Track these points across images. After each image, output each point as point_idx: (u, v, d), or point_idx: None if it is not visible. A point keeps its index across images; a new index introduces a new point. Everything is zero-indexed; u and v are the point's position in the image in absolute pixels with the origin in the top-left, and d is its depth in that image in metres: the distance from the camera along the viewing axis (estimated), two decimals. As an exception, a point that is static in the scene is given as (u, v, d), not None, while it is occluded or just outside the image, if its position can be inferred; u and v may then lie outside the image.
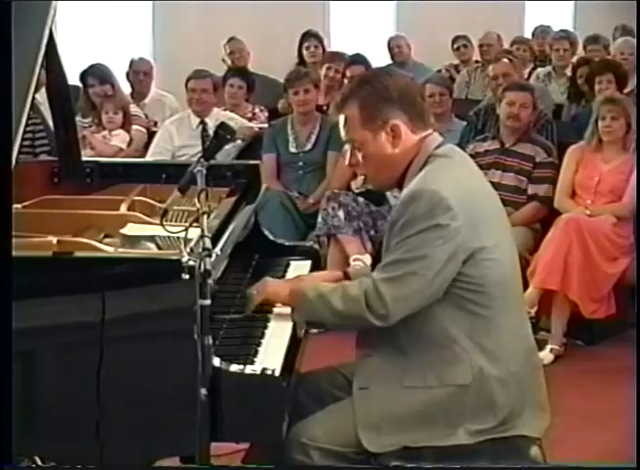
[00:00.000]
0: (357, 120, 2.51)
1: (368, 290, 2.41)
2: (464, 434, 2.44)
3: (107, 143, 5.84)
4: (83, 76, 6.27)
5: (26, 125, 2.57)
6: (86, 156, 4.37)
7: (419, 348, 2.46)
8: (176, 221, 2.93)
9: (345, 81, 6.53)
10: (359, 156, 2.55)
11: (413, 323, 2.44)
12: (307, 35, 7.99)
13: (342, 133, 2.57)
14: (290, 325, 2.65)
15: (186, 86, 5.91)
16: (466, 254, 2.39)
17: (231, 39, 7.66)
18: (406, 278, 2.39)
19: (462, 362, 2.44)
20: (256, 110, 6.58)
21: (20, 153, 2.52)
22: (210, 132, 5.75)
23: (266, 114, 6.59)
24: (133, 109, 6.22)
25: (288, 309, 2.64)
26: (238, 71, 6.73)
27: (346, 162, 2.60)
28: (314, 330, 2.87)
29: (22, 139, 2.54)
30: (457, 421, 2.44)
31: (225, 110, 6.21)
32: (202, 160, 2.47)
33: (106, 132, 5.90)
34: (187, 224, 2.42)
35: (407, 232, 2.39)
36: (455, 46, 8.51)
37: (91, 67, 6.29)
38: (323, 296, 2.49)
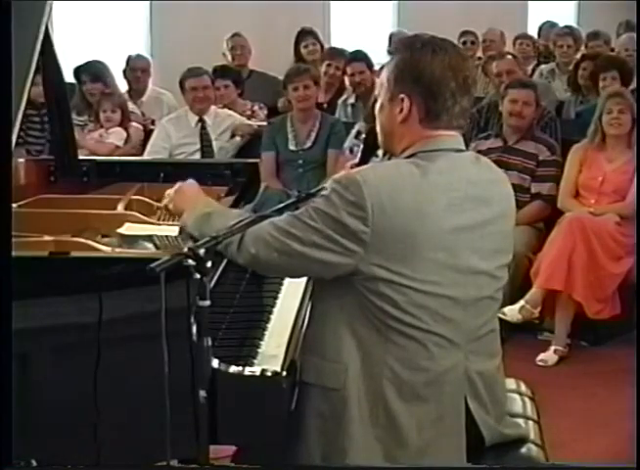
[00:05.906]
0: (389, 77, 2.33)
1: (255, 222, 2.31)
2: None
3: (101, 141, 5.80)
4: (77, 73, 6.22)
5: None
6: (82, 155, 4.33)
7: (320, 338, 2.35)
8: (174, 221, 2.90)
9: (346, 78, 6.50)
10: (377, 105, 2.38)
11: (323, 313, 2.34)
12: (303, 33, 7.89)
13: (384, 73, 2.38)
14: (290, 325, 2.64)
15: (181, 86, 5.82)
16: (365, 266, 2.22)
17: (234, 35, 7.52)
18: (287, 236, 2.25)
19: (341, 366, 2.30)
20: (255, 107, 6.54)
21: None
22: (209, 130, 5.72)
23: (265, 111, 6.55)
24: (129, 106, 6.18)
25: (287, 312, 2.62)
26: (220, 71, 6.53)
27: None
28: None
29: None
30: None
31: (224, 107, 6.16)
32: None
33: (102, 130, 5.86)
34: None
35: (319, 205, 2.25)
36: (462, 40, 8.42)
37: (86, 63, 6.25)
38: (210, 214, 2.40)
